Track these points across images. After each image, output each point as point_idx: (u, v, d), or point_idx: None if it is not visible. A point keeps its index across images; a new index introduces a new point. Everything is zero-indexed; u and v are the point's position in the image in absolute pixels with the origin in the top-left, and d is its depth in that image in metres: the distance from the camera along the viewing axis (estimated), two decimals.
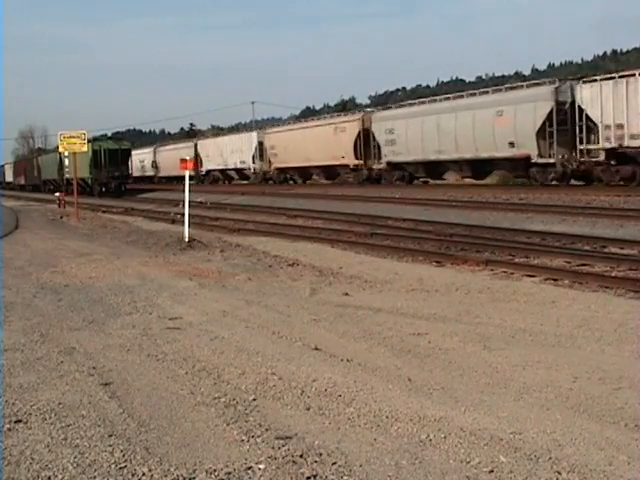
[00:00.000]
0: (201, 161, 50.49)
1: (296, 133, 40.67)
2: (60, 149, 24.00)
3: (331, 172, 38.64)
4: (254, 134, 45.43)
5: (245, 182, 47.56)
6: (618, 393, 4.52)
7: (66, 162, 39.70)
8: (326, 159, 36.66)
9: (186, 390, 4.77)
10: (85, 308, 7.74)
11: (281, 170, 42.40)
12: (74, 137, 22.41)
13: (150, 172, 60.55)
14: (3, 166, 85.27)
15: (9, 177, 75.73)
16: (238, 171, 47.98)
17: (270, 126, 48.80)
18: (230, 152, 47.31)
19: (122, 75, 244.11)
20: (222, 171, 49.96)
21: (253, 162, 44.65)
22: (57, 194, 31.73)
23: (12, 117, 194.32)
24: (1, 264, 11.58)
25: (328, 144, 36.18)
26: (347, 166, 35.75)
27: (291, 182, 42.32)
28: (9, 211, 28.69)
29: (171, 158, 53.47)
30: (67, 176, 40.56)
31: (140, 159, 61.48)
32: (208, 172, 51.15)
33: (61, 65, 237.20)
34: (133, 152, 66.71)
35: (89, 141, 26.66)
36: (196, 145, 52.80)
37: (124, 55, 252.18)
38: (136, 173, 64.85)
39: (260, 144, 43.84)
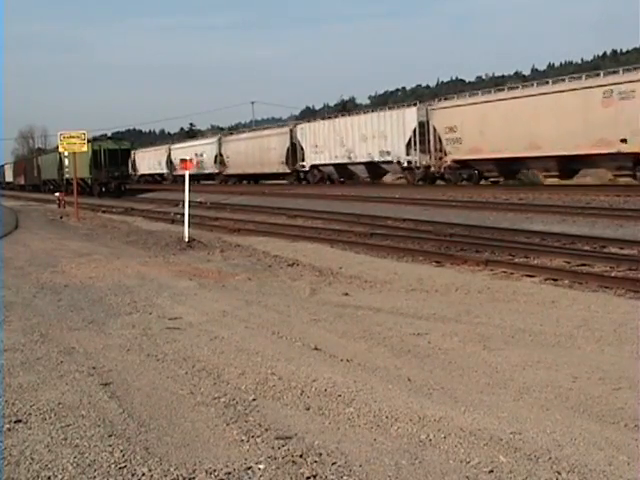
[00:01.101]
0: (302, 152, 38.49)
1: (505, 105, 25.81)
2: (60, 149, 23.99)
3: (571, 165, 24.87)
4: (412, 110, 30.65)
5: (375, 182, 34.53)
6: (618, 393, 4.52)
7: (66, 162, 39.70)
8: (576, 145, 22.74)
9: (186, 390, 4.76)
10: (85, 308, 7.74)
11: (464, 163, 28.12)
12: (74, 137, 22.43)
13: (211, 169, 48.75)
14: (3, 166, 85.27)
15: (9, 177, 75.69)
16: (372, 165, 33.62)
17: (441, 99, 31.78)
18: (360, 139, 33.47)
19: (122, 75, 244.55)
20: (341, 166, 35.82)
21: (407, 153, 30.55)
22: (57, 194, 31.75)
23: (12, 117, 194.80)
24: (1, 264, 11.57)
25: (585, 120, 22.32)
26: (629, 156, 21.69)
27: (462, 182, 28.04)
28: (9, 211, 28.69)
29: (249, 151, 43.53)
30: (67, 176, 40.50)
31: (197, 152, 49.74)
32: (314, 168, 37.81)
33: (61, 65, 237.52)
34: (186, 144, 56.05)
35: (89, 141, 26.66)
36: (292, 131, 39.90)
37: (124, 55, 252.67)
38: (189, 171, 56.99)
39: (422, 125, 29.67)
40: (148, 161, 61.53)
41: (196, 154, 48.58)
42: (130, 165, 58.56)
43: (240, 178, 46.58)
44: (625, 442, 3.71)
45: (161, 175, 59.17)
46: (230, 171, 46.54)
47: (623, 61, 64.47)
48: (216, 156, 48.35)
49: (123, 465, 3.55)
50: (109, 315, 7.33)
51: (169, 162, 56.77)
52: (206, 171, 49.02)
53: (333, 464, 3.49)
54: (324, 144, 36.53)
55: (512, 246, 12.49)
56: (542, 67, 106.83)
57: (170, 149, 57.80)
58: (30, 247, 14.47)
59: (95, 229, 18.93)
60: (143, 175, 61.58)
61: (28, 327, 6.81)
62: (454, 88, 69.63)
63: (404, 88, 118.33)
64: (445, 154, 28.71)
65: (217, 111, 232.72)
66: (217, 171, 48.36)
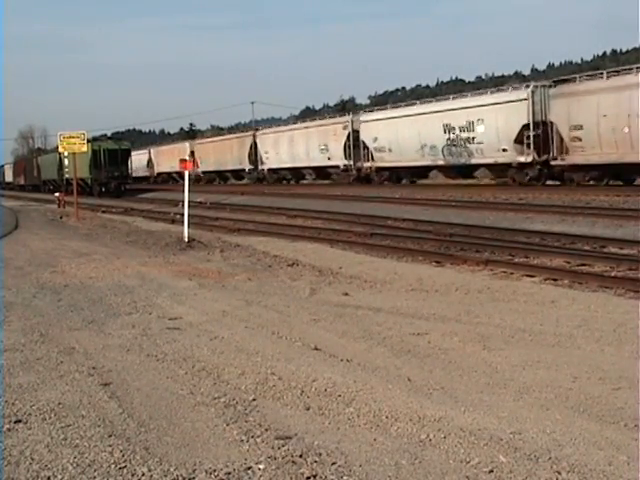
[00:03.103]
0: None
1: None
2: (60, 149, 24.01)
3: None
4: None
5: None
6: (618, 393, 4.52)
7: (66, 162, 39.73)
8: None
9: (186, 390, 4.76)
10: (85, 308, 7.74)
11: None
12: (74, 137, 22.43)
13: (422, 159, 28.35)
14: (3, 166, 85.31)
15: (9, 177, 75.70)
16: None
17: None
18: None
19: (122, 75, 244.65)
20: None
21: None
22: (57, 194, 31.76)
23: (12, 117, 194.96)
24: (1, 264, 11.57)
25: None
26: None
27: None
28: (9, 211, 28.68)
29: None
30: (67, 176, 40.53)
31: (374, 133, 31.20)
32: None
33: (61, 65, 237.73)
34: (356, 118, 33.68)
35: (89, 141, 26.68)
36: None
37: (124, 55, 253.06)
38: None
39: None
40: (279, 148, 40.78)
41: (373, 139, 31.09)
42: (254, 155, 42.91)
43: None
44: (625, 442, 3.71)
45: (303, 171, 39.65)
46: (483, 159, 25.73)
47: (623, 61, 64.45)
48: (455, 131, 26.68)
49: (123, 465, 3.55)
50: (109, 315, 7.33)
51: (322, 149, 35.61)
52: (400, 164, 29.35)
53: (333, 464, 3.49)
54: None
55: (512, 246, 12.49)
56: (542, 67, 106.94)
57: (293, 131, 37.53)
58: (30, 247, 14.46)
59: (95, 229, 18.92)
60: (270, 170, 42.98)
61: (28, 327, 6.81)
62: (454, 88, 69.57)
63: (404, 88, 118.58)
64: None
65: (217, 111, 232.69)
66: (434, 162, 27.39)
